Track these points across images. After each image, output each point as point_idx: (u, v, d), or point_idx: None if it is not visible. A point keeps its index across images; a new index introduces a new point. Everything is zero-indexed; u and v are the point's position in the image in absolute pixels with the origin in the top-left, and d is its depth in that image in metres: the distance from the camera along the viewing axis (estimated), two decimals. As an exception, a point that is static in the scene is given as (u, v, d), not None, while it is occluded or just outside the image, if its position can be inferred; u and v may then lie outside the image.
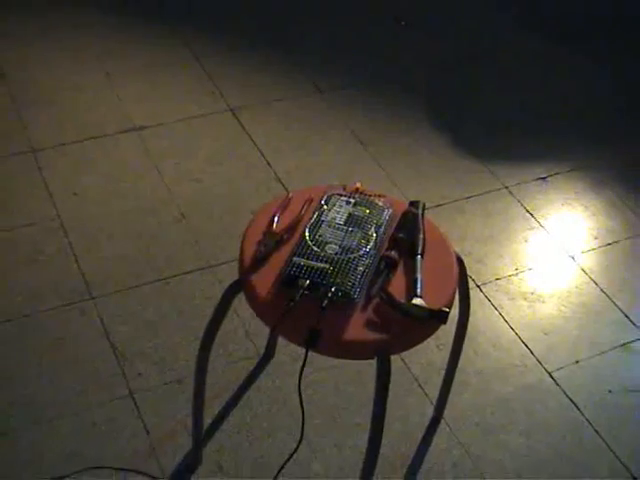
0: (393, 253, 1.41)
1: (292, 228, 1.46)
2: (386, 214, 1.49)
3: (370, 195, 1.53)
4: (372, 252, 1.40)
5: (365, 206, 1.49)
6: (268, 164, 2.55)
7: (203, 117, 2.70)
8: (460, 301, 1.62)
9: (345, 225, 1.44)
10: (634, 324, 2.21)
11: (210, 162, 2.54)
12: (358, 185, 1.55)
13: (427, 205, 1.54)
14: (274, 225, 1.46)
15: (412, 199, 1.56)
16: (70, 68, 2.82)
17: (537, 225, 2.47)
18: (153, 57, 2.92)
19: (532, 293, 2.26)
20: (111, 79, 2.80)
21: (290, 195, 1.53)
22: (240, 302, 1.46)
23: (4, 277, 2.13)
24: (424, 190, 2.53)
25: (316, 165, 2.58)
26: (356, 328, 1.32)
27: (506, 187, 2.58)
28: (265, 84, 2.86)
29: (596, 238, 2.46)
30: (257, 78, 2.88)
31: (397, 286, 1.38)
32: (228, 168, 2.53)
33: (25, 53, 2.85)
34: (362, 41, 3.11)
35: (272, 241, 1.43)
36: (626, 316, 2.23)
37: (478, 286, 2.26)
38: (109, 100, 2.72)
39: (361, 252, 1.40)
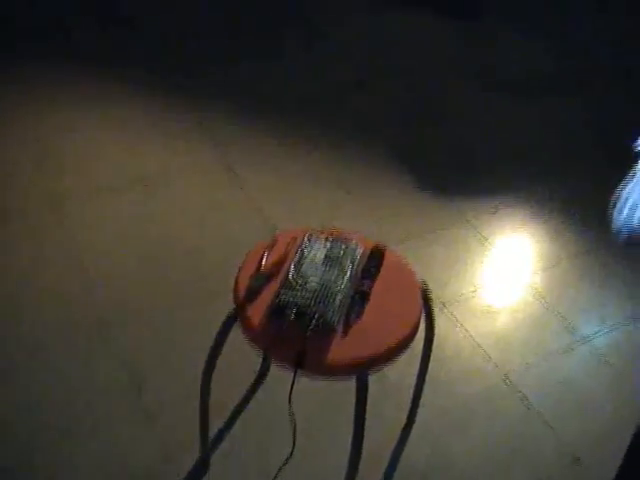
0: (365, 286, 1.40)
1: (279, 265, 1.44)
2: (358, 251, 1.48)
3: (344, 235, 1.51)
4: (347, 285, 1.39)
5: (340, 245, 1.47)
6: (258, 209, 2.53)
7: (202, 171, 2.68)
8: (426, 321, 1.60)
9: (324, 262, 1.43)
10: (572, 331, 2.20)
11: (211, 209, 2.52)
12: (334, 228, 1.54)
13: (398, 237, 1.53)
14: (263, 262, 1.45)
15: (386, 233, 1.55)
16: (93, 134, 2.81)
17: (492, 250, 2.47)
18: (163, 119, 2.92)
19: (489, 307, 2.25)
20: (129, 139, 2.79)
21: (277, 236, 1.52)
22: (237, 330, 1.44)
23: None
24: (397, 224, 2.46)
25: (306, 208, 2.55)
26: (336, 351, 1.30)
27: (465, 218, 2.57)
28: (262, 145, 2.83)
29: (540, 260, 2.46)
30: (256, 142, 2.85)
31: (369, 312, 1.37)
32: (224, 216, 2.49)
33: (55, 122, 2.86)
34: (344, 104, 3.11)
35: (262, 277, 1.41)
36: (566, 325, 2.22)
37: (443, 303, 2.24)
38: (119, 156, 2.71)
39: (338, 286, 1.38)
